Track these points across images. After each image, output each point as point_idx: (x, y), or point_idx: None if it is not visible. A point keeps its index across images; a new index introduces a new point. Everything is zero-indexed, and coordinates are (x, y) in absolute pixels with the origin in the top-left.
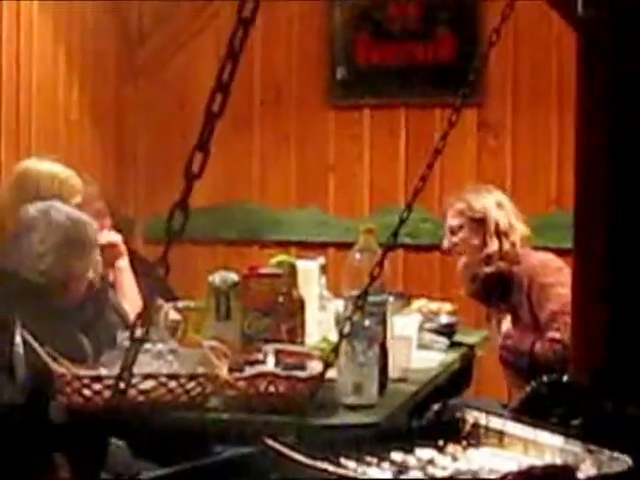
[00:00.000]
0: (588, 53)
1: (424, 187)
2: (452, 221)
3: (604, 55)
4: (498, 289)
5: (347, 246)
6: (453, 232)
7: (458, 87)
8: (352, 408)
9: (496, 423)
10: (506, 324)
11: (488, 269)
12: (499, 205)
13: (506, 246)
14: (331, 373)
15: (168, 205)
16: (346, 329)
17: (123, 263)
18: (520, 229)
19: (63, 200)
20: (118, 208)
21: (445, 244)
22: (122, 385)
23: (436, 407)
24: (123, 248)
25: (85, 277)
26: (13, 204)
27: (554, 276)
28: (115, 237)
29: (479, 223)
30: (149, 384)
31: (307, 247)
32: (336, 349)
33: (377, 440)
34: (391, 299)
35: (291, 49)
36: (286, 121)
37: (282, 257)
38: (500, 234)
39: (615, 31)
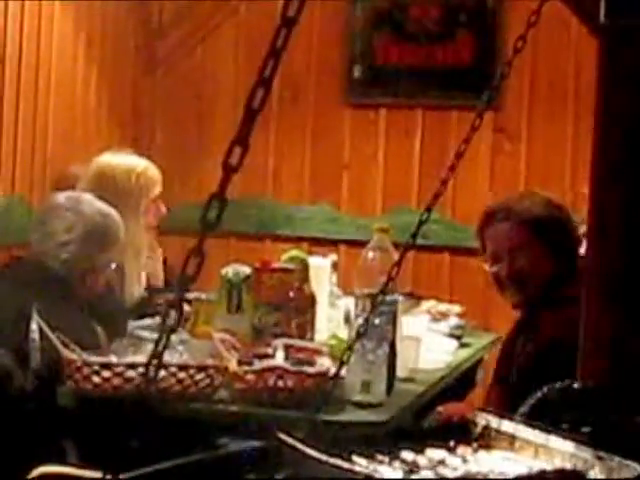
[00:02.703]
0: (609, 62)
1: (445, 190)
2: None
3: (625, 64)
4: None
5: (358, 244)
6: None
7: (476, 90)
8: (360, 405)
9: (507, 426)
10: None
11: None
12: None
13: None
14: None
15: (182, 196)
16: (362, 329)
17: None
18: None
19: (142, 193)
20: None
21: None
22: (150, 375)
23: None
24: None
25: (105, 270)
26: None
27: None
28: None
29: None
30: (159, 374)
31: (318, 243)
32: (350, 347)
33: (388, 439)
34: (401, 299)
35: (310, 46)
36: (302, 118)
37: (295, 252)
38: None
39: (637, 40)
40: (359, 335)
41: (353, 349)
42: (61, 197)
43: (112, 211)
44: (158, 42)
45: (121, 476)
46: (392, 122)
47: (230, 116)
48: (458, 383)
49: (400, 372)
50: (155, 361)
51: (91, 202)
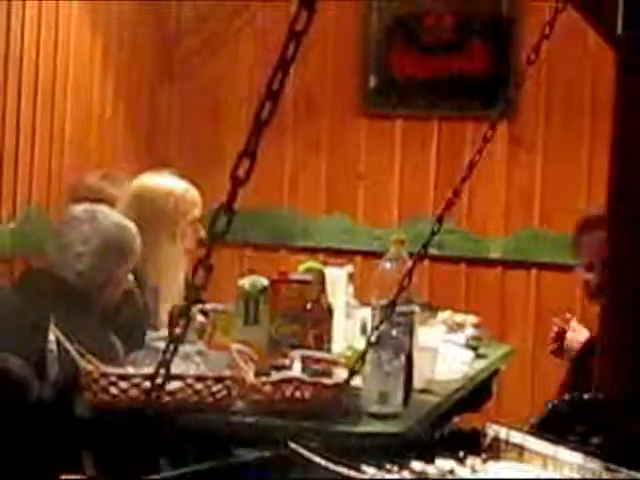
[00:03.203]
0: (626, 73)
1: (456, 200)
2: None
3: None
4: None
5: (374, 255)
6: None
7: (491, 100)
8: (377, 417)
9: (516, 437)
10: None
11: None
12: None
13: None
14: (357, 381)
15: None
16: (373, 338)
17: None
18: None
19: (180, 216)
20: None
21: None
22: (158, 382)
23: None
24: None
25: (122, 282)
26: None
27: None
28: None
29: None
30: (176, 385)
31: (334, 254)
32: (363, 356)
33: (398, 449)
34: (417, 309)
35: (325, 56)
36: (318, 128)
37: (311, 264)
38: None
39: None
40: (370, 344)
41: (366, 358)
42: (78, 209)
43: (128, 223)
44: (175, 48)
45: None
46: (408, 133)
47: (246, 125)
48: (474, 394)
49: (417, 383)
50: (162, 371)
51: (107, 214)
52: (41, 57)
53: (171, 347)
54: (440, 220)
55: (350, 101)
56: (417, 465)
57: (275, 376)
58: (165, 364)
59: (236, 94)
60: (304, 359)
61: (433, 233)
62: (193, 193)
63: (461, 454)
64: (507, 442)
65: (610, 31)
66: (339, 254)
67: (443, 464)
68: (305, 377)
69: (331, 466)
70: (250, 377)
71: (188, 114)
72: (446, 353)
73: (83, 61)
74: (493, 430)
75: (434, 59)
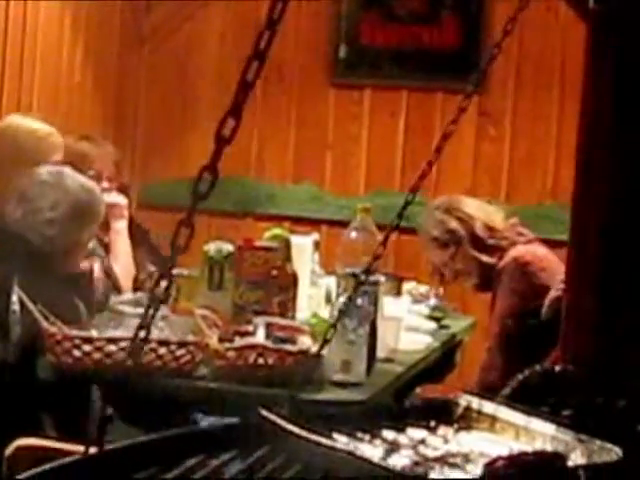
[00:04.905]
0: (596, 47)
1: (430, 171)
2: (434, 258)
3: (613, 49)
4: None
5: (340, 224)
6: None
7: (461, 72)
8: (339, 385)
9: (489, 408)
10: None
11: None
12: (462, 220)
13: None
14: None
15: (162, 173)
16: (343, 307)
17: (121, 226)
18: (496, 219)
19: (40, 157)
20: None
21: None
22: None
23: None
24: (125, 212)
25: (87, 245)
26: None
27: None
28: (121, 199)
29: (460, 246)
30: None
31: (300, 223)
32: (335, 325)
33: (370, 417)
34: (382, 279)
35: (297, 25)
36: (287, 96)
37: (277, 231)
38: (484, 247)
39: (625, 25)
40: (342, 313)
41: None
42: (43, 172)
43: (94, 186)
44: (145, 13)
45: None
46: (377, 103)
47: (214, 94)
48: (438, 365)
49: (380, 352)
50: (142, 333)
51: (73, 177)
52: (10, 23)
53: (151, 310)
54: (415, 190)
55: (320, 70)
56: (389, 434)
57: (239, 342)
58: (146, 326)
59: (203, 63)
60: (268, 325)
61: (408, 203)
62: (57, 137)
63: (433, 424)
64: (479, 412)
65: (582, 4)
66: (306, 222)
67: (415, 433)
68: (269, 343)
69: (304, 434)
70: (214, 343)
71: (157, 79)
72: (410, 323)
73: (52, 26)
74: (465, 400)
75: (405, 30)
